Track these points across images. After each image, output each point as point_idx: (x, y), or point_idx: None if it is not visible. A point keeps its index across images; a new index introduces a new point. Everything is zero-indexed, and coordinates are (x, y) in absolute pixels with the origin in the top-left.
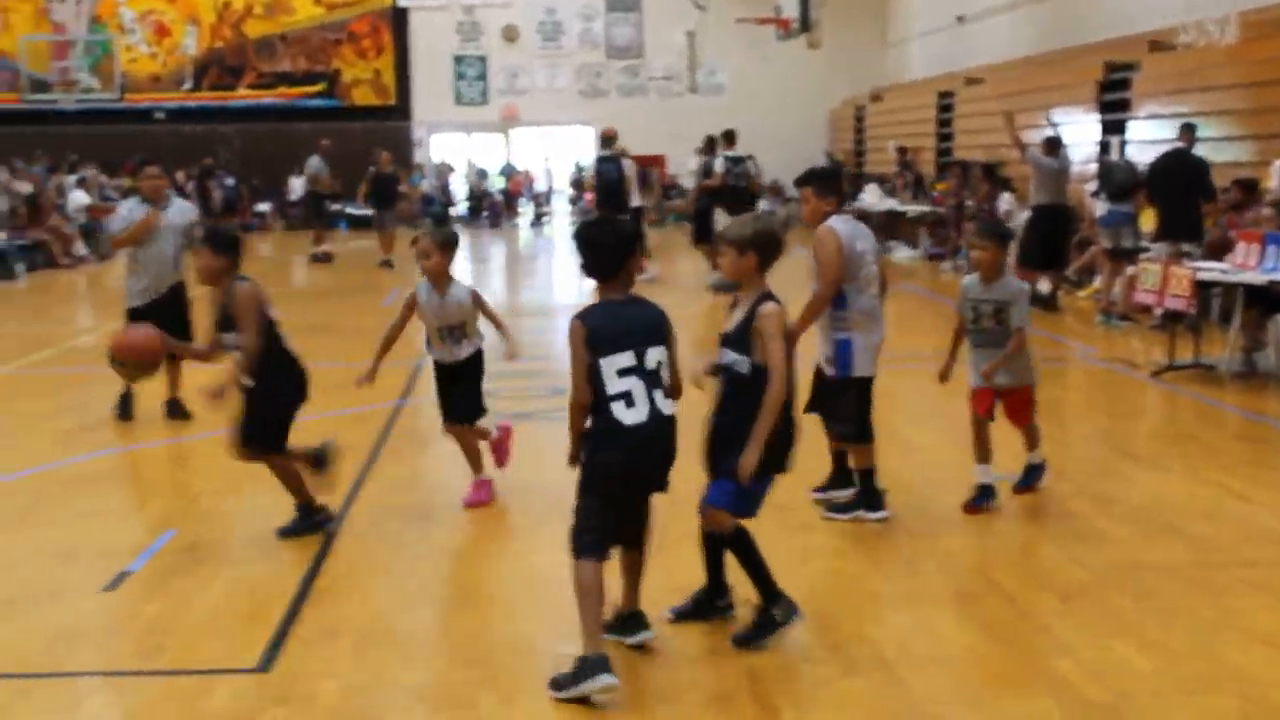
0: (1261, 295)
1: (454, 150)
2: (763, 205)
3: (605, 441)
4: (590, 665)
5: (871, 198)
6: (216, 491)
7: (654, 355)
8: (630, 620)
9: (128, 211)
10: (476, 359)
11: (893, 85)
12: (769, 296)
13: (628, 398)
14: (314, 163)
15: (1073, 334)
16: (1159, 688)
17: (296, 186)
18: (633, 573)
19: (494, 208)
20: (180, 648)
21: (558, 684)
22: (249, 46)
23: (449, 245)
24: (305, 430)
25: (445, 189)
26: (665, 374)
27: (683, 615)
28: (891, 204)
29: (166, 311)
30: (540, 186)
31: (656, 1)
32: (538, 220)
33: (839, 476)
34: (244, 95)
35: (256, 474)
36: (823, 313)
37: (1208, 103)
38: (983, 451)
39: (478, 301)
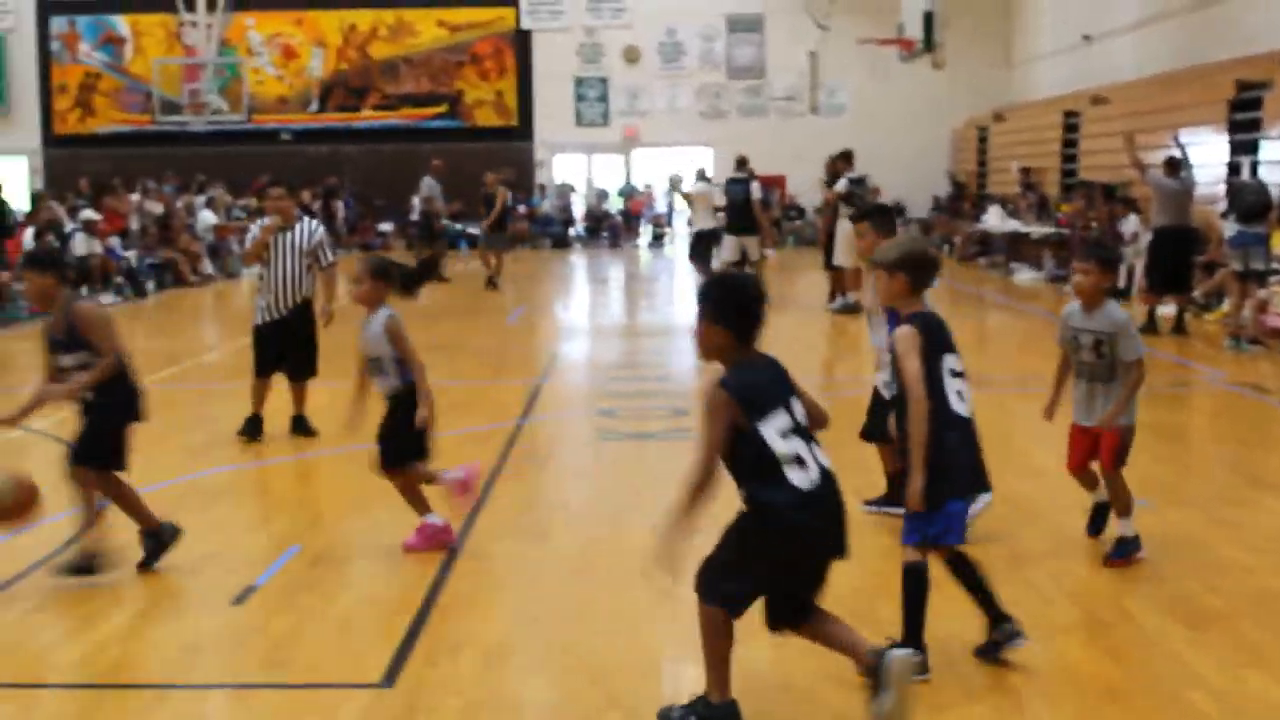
0: None
1: (575, 171)
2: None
3: (785, 509)
4: (719, 713)
5: (994, 219)
6: (340, 507)
7: (798, 408)
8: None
9: (256, 230)
10: (398, 398)
11: (1017, 105)
12: (910, 318)
13: (798, 460)
14: (426, 183)
15: (1200, 358)
16: None
17: (416, 206)
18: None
19: (614, 228)
20: (305, 662)
21: (668, 716)
22: (374, 68)
23: (379, 273)
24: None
25: (566, 209)
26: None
27: (984, 653)
28: (1015, 225)
29: (288, 330)
30: (660, 207)
31: (778, 21)
32: (657, 240)
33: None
34: (368, 116)
35: (381, 490)
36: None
37: None
38: (1091, 481)
39: (392, 336)
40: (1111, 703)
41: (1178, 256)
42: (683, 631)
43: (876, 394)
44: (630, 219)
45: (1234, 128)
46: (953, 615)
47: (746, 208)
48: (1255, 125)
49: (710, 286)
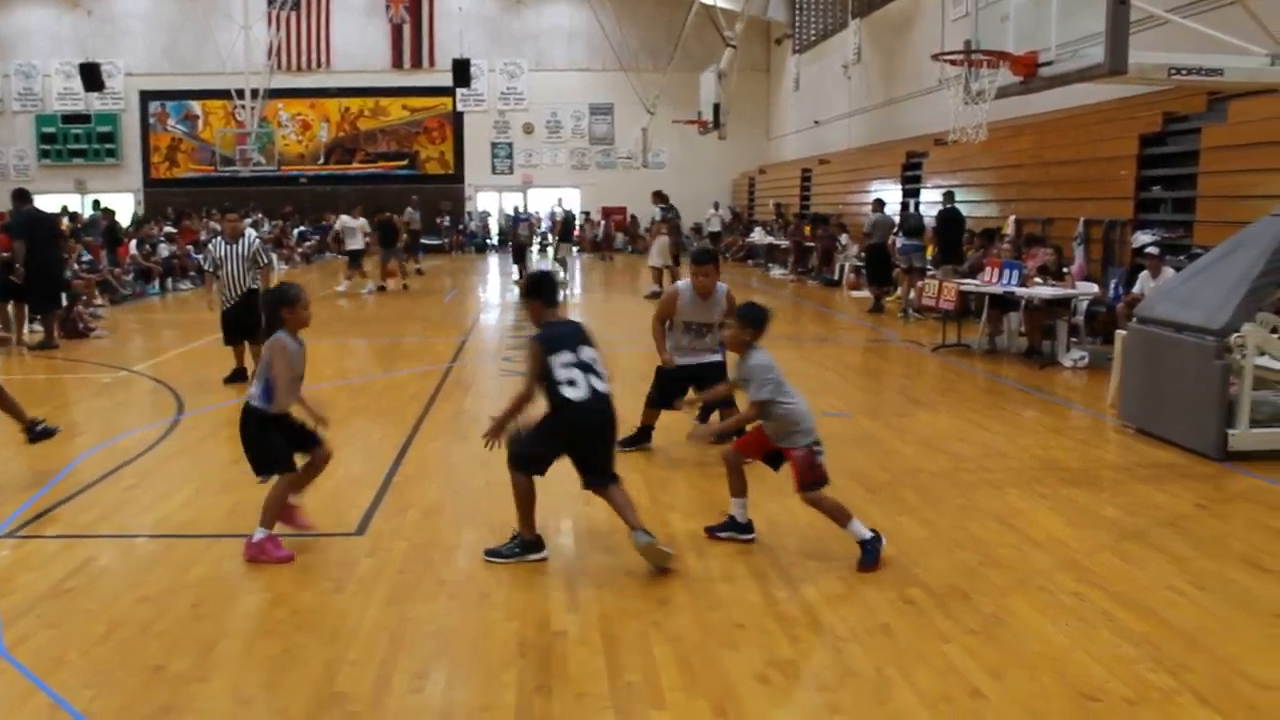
0: (1000, 300)
1: (491, 203)
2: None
3: (559, 409)
4: (529, 544)
5: (758, 235)
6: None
7: (586, 352)
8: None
9: (213, 247)
10: (247, 411)
11: (772, 164)
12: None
13: (571, 382)
14: (409, 211)
15: (886, 325)
16: (928, 546)
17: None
18: (620, 504)
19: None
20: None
21: (496, 553)
22: (360, 135)
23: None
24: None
25: (485, 227)
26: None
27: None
28: (770, 239)
29: (240, 311)
30: (545, 227)
31: (623, 108)
32: (542, 250)
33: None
34: (356, 167)
35: (358, 408)
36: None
37: (969, 179)
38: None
39: (271, 348)
40: (815, 537)
41: (882, 263)
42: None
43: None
44: (547, 235)
45: (906, 180)
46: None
47: (568, 227)
48: (918, 179)
49: (529, 278)
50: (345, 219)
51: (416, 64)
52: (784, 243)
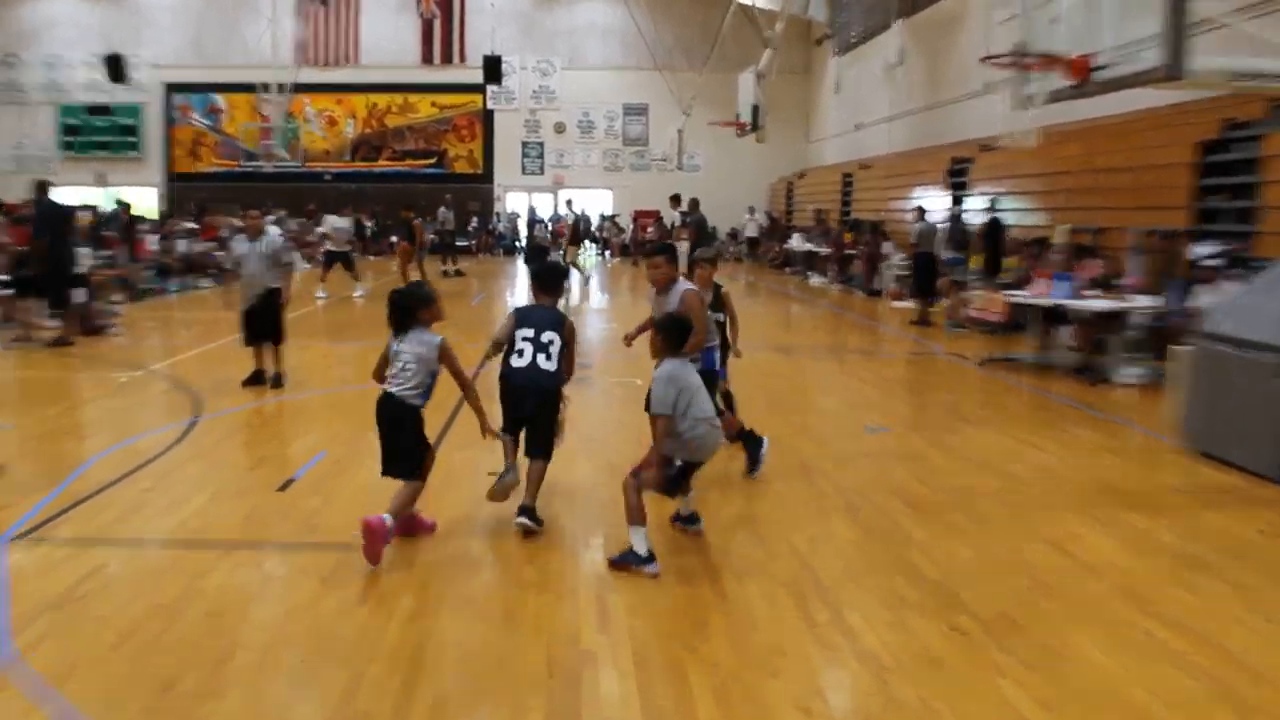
0: (1050, 313)
1: (520, 204)
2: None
3: (504, 372)
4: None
5: (796, 242)
6: (351, 426)
7: (547, 334)
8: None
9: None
10: (406, 408)
11: (812, 168)
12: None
13: (519, 352)
14: (442, 211)
15: (930, 338)
16: (978, 571)
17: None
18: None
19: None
20: (327, 528)
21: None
22: (388, 133)
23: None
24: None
25: (514, 229)
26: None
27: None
28: (809, 246)
29: (261, 311)
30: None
31: (657, 108)
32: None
33: None
34: (383, 164)
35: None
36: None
37: (1016, 186)
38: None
39: (444, 348)
40: (860, 560)
41: (929, 273)
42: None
43: None
44: (557, 237)
45: (951, 187)
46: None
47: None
48: (963, 185)
49: (534, 268)
50: (333, 219)
51: (446, 60)
52: (823, 250)
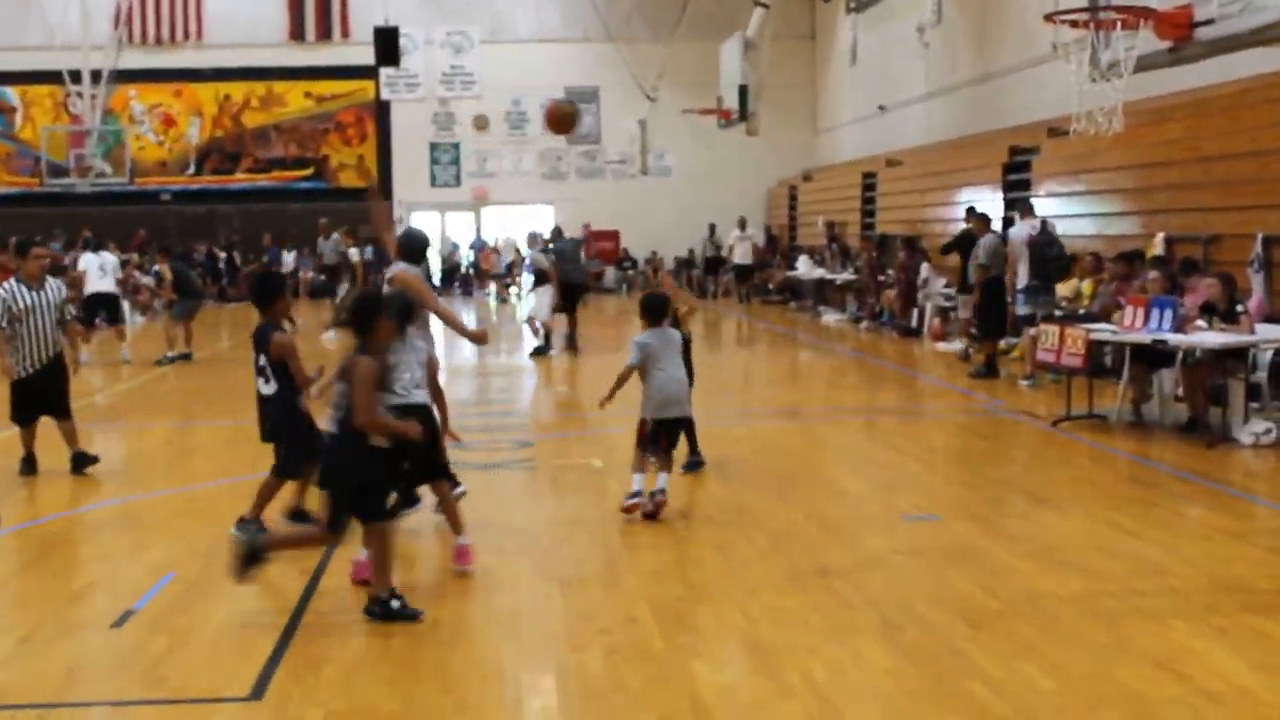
0: (1146, 353)
1: (430, 227)
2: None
3: None
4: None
5: (803, 268)
6: (209, 536)
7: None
8: None
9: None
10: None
11: (822, 166)
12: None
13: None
14: (347, 249)
15: (992, 392)
16: (1061, 705)
17: (288, 260)
18: None
19: (465, 279)
20: (180, 678)
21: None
22: (246, 135)
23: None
24: None
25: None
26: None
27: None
28: (821, 273)
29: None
30: (505, 261)
31: (612, 93)
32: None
33: None
34: (242, 179)
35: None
36: None
37: (1096, 183)
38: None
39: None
40: (903, 693)
41: (999, 304)
42: (525, 642)
43: None
44: (480, 271)
45: (1008, 187)
46: (768, 623)
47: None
48: (1026, 185)
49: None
50: (92, 258)
51: (324, 35)
52: (839, 276)
